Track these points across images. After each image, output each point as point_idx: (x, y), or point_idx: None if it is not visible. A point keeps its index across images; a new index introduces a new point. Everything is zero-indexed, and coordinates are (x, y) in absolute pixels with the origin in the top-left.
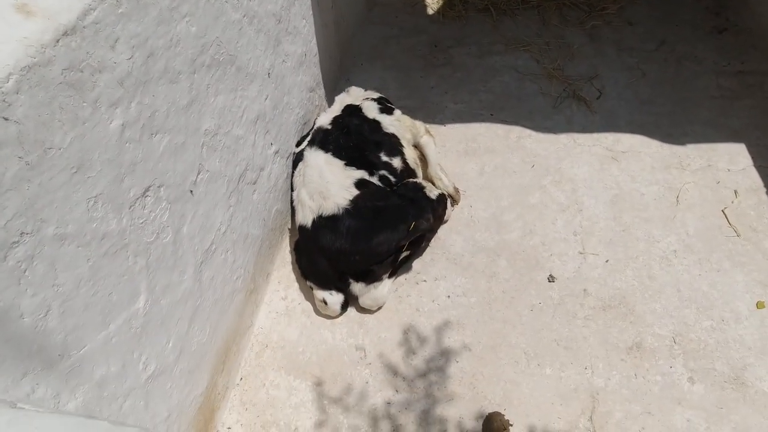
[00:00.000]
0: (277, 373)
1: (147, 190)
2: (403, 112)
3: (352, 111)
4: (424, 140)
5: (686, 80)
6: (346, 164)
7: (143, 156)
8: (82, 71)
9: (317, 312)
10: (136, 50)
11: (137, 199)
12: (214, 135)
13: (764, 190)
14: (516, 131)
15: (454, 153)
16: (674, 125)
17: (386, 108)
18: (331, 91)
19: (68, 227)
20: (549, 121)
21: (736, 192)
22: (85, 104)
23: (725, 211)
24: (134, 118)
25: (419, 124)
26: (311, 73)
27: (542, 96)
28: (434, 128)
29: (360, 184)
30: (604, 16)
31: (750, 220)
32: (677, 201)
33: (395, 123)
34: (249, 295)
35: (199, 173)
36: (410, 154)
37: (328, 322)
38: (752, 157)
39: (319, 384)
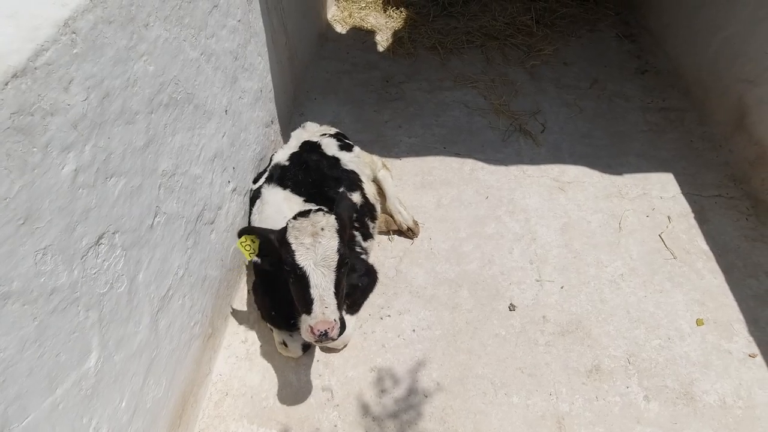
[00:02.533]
0: (238, 423)
1: (101, 237)
2: (360, 147)
3: (311, 147)
4: (381, 174)
5: (618, 116)
6: (306, 200)
7: (97, 202)
8: (32, 115)
9: (280, 354)
10: (92, 91)
11: (90, 248)
12: (171, 175)
13: (692, 215)
14: (469, 164)
15: (411, 186)
16: (611, 156)
17: (345, 145)
18: (286, 125)
19: (13, 284)
20: (500, 153)
21: (669, 218)
22: (35, 149)
23: (662, 236)
24: (88, 162)
25: (376, 159)
26: (267, 109)
27: (491, 130)
28: (390, 161)
29: None
30: (542, 56)
31: (683, 243)
32: (620, 227)
33: (355, 159)
34: (207, 340)
35: (156, 216)
36: (370, 189)
37: (292, 363)
38: (680, 185)
39: (285, 431)
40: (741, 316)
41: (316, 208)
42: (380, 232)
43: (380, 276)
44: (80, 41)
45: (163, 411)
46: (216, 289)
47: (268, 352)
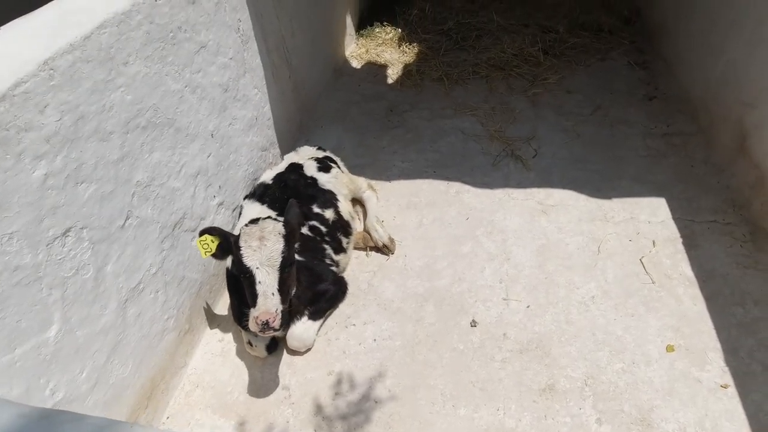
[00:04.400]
0: (203, 413)
1: (68, 230)
2: (355, 169)
3: (293, 168)
4: (366, 195)
5: (618, 141)
6: (278, 214)
7: (66, 201)
8: (8, 130)
9: (249, 353)
10: (66, 114)
11: (56, 238)
12: (146, 186)
13: (680, 240)
14: (456, 186)
15: (397, 206)
16: (604, 181)
17: (324, 167)
18: (289, 149)
19: None
20: (488, 177)
21: (654, 242)
22: (8, 156)
23: (643, 260)
24: (59, 169)
25: (361, 181)
26: (264, 134)
27: (483, 155)
28: (381, 184)
29: None
30: (546, 85)
31: (665, 268)
32: (599, 250)
33: (332, 180)
34: (183, 335)
35: (127, 219)
36: (345, 208)
37: (260, 362)
38: (671, 210)
39: (242, 423)
40: (718, 345)
41: (266, 216)
42: (358, 248)
43: (352, 288)
44: (58, 75)
45: (128, 390)
46: (196, 290)
47: (241, 351)
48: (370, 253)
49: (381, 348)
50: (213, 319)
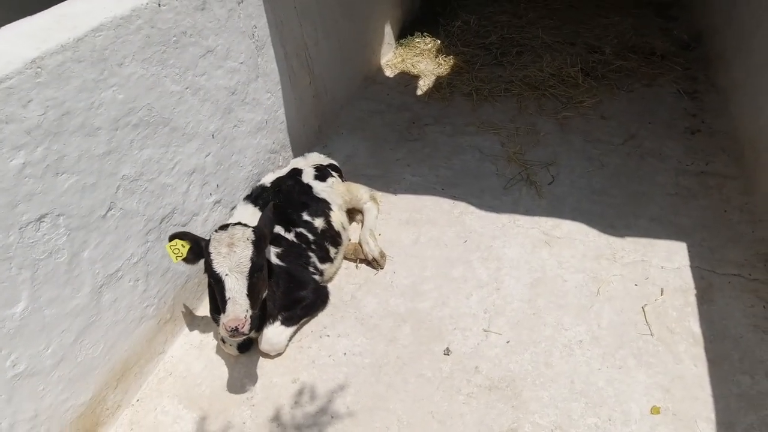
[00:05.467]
0: (170, 401)
1: (43, 216)
2: (365, 179)
3: (293, 174)
4: (367, 206)
5: (645, 175)
6: None
7: (43, 189)
8: None
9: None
10: (50, 109)
11: (30, 222)
12: (134, 180)
13: (693, 291)
14: (461, 207)
15: (397, 221)
16: (620, 217)
17: (322, 175)
18: (303, 153)
19: None
20: (496, 200)
21: (662, 290)
22: None
23: (645, 308)
24: (38, 160)
25: (363, 192)
26: (274, 138)
27: (497, 176)
28: (386, 197)
29: (272, 237)
30: (580, 108)
31: (669, 320)
32: (598, 292)
33: (327, 189)
34: (163, 324)
35: (110, 209)
36: (337, 218)
37: (232, 360)
38: (690, 257)
39: (203, 417)
40: (713, 415)
41: (236, 222)
42: (349, 259)
43: (334, 299)
44: (45, 74)
45: (96, 370)
46: (183, 282)
47: (218, 346)
48: (359, 265)
49: (349, 363)
50: (197, 312)
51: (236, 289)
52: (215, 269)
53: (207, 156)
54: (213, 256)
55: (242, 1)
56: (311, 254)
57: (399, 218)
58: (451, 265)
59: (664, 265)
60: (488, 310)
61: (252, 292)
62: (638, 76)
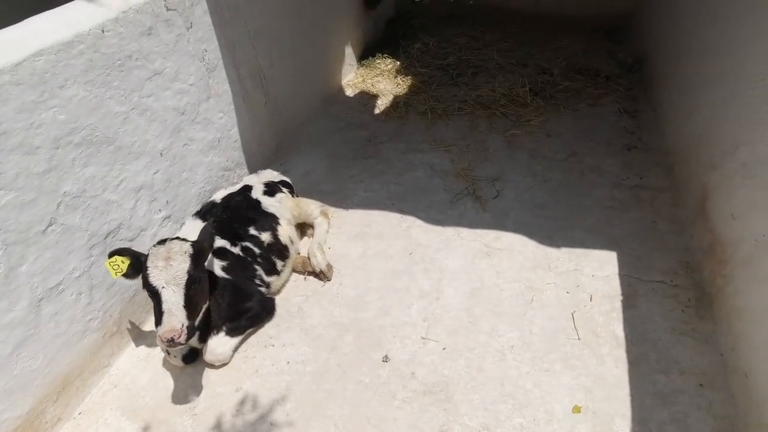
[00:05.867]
0: (113, 413)
1: None
2: (319, 195)
3: (243, 190)
4: (318, 221)
5: (584, 189)
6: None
7: None
8: None
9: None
10: None
11: None
12: (76, 197)
13: (620, 298)
14: (409, 221)
15: (347, 235)
16: (558, 229)
17: (270, 191)
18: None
19: None
20: (442, 214)
21: (591, 297)
22: None
23: (574, 315)
24: None
25: (314, 207)
26: (228, 156)
27: (444, 191)
28: (338, 212)
29: (217, 251)
30: (527, 126)
31: (596, 325)
32: (532, 300)
33: (275, 204)
34: (109, 337)
35: (50, 225)
36: (285, 232)
37: (178, 371)
38: (619, 266)
39: (145, 428)
40: (629, 413)
41: (174, 237)
42: (297, 272)
43: (281, 310)
44: None
45: (35, 382)
46: (130, 296)
47: (164, 359)
48: (307, 277)
49: (292, 371)
50: (145, 326)
51: (173, 301)
52: (152, 282)
53: (155, 173)
54: (150, 270)
55: (191, 27)
56: (257, 267)
57: (349, 232)
58: (396, 277)
59: (595, 273)
60: (427, 319)
61: (189, 304)
62: (584, 96)
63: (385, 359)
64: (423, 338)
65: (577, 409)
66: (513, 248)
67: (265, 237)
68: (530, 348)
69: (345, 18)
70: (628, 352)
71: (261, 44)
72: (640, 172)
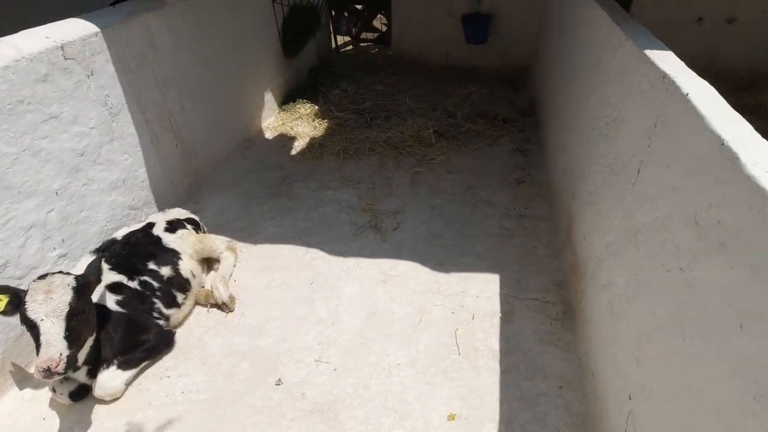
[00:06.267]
0: None
1: None
2: (230, 232)
3: (146, 227)
4: (224, 255)
5: (476, 220)
6: (111, 268)
7: None
8: None
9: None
10: None
11: None
12: None
13: (499, 315)
14: (313, 253)
15: (254, 269)
16: (449, 256)
17: (172, 228)
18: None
19: None
20: (345, 246)
21: (474, 315)
22: None
23: (457, 332)
24: None
25: (219, 242)
26: (134, 195)
27: (349, 225)
28: (248, 247)
29: (113, 286)
30: (431, 164)
31: (475, 340)
32: (420, 321)
33: (177, 240)
34: None
35: None
36: (186, 266)
37: (65, 410)
38: (501, 287)
39: None
40: (497, 416)
41: (57, 271)
42: (201, 304)
43: (182, 342)
44: None
45: None
46: (16, 336)
47: (51, 399)
48: (210, 309)
49: (186, 401)
50: (31, 367)
51: (52, 332)
52: (29, 316)
53: (50, 212)
54: (28, 304)
55: (92, 74)
56: (156, 300)
57: (256, 266)
58: (297, 306)
59: (479, 294)
60: (322, 343)
61: (71, 335)
62: (483, 137)
63: (279, 383)
64: (316, 361)
65: (452, 417)
66: (407, 275)
67: (165, 271)
68: (415, 364)
69: (265, 66)
70: (501, 362)
71: (170, 91)
72: (526, 203)
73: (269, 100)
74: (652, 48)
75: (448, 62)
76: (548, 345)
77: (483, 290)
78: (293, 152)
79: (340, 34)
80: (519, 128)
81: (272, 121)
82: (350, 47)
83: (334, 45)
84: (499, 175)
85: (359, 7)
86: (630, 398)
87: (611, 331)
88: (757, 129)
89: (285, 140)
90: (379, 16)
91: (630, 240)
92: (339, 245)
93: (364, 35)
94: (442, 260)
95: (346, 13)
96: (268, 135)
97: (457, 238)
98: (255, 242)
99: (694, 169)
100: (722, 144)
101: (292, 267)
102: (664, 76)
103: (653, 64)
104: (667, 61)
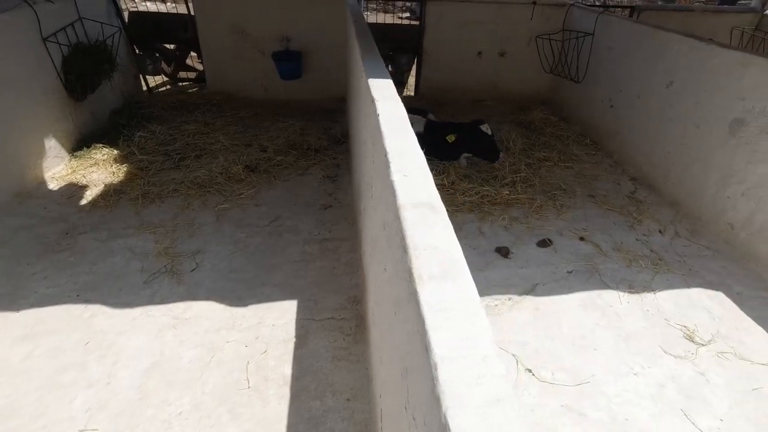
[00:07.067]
0: None
1: None
2: None
3: None
4: None
5: (279, 249)
6: None
7: None
8: None
9: None
10: None
11: None
12: None
13: (294, 341)
14: (93, 309)
15: (11, 339)
16: (249, 289)
17: None
18: None
19: None
20: (133, 296)
21: (268, 345)
22: None
23: (249, 365)
24: None
25: None
26: None
27: (140, 273)
28: (7, 315)
29: None
30: (238, 200)
31: (267, 370)
32: (210, 361)
33: None
34: None
35: None
36: None
37: None
38: (298, 312)
39: None
40: None
41: None
42: None
43: None
44: None
45: None
46: None
47: None
48: None
49: None
50: None
51: None
52: None
53: None
54: None
55: None
56: None
57: (14, 335)
58: (65, 372)
59: (276, 323)
60: (91, 408)
61: None
62: (295, 167)
63: None
64: (81, 431)
65: None
66: (202, 315)
67: None
68: (199, 408)
69: (43, 111)
70: (292, 387)
71: None
72: (330, 226)
73: (53, 146)
74: (377, 77)
75: (267, 97)
76: (339, 361)
77: (280, 318)
78: (83, 202)
79: (147, 74)
80: (331, 156)
81: (60, 169)
82: (167, 87)
83: (145, 86)
84: (306, 202)
85: (171, 46)
86: (380, 396)
87: (378, 335)
88: (527, 139)
89: (74, 190)
90: (193, 54)
91: (374, 247)
92: (125, 296)
93: (182, 74)
94: (241, 294)
95: (157, 54)
96: (53, 186)
97: (258, 270)
98: (18, 309)
99: (386, 185)
100: (385, 155)
101: (65, 329)
102: (373, 100)
103: (369, 90)
104: (379, 87)
